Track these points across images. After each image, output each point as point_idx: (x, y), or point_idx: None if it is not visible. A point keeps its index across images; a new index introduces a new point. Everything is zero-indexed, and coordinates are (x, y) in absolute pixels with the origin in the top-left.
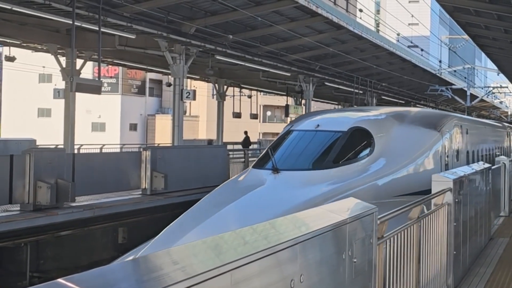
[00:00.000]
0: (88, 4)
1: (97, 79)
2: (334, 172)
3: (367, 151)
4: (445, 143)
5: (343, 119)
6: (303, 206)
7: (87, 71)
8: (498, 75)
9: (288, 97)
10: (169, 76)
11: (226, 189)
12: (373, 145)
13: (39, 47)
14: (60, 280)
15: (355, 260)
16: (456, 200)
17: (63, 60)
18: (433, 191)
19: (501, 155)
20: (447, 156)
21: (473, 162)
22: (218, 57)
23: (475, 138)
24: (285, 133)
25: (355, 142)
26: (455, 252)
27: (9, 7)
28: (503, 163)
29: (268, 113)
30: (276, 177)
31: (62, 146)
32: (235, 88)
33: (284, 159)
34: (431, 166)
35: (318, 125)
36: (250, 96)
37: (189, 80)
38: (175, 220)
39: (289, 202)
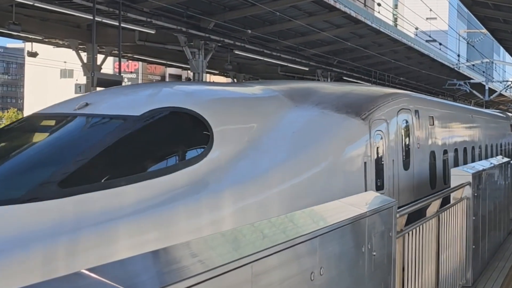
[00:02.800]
0: (108, 0)
1: (117, 74)
2: (66, 205)
3: (190, 155)
4: (377, 141)
5: (144, 94)
6: None
7: (108, 66)
8: None
9: None
10: (189, 71)
11: None
12: (210, 143)
13: (61, 43)
14: (83, 270)
15: (374, 253)
16: (475, 194)
17: (84, 55)
18: (452, 185)
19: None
20: (382, 163)
21: (448, 168)
22: (236, 52)
23: (451, 133)
24: (21, 120)
25: (158, 138)
26: (474, 246)
27: (31, 3)
28: None
29: None
30: None
31: None
32: None
33: None
34: (340, 182)
35: (86, 105)
36: None
37: (208, 75)
38: None
39: None
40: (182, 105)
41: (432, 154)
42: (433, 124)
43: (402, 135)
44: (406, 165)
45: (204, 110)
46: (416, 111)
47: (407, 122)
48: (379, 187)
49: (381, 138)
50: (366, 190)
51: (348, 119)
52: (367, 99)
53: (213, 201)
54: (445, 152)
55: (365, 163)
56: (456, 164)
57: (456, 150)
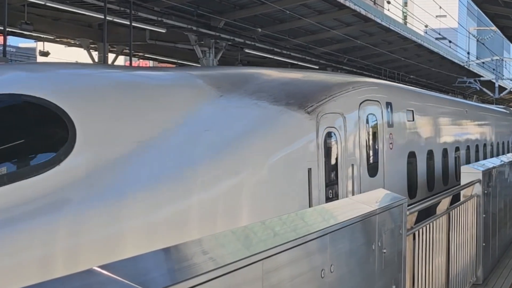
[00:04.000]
0: None
1: None
2: None
3: (36, 160)
4: (329, 141)
5: None
6: None
7: None
8: None
9: None
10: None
11: None
12: (69, 144)
13: (72, 42)
14: (95, 268)
15: (384, 251)
16: (485, 191)
17: (95, 54)
18: (462, 183)
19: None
20: (336, 169)
21: (434, 172)
22: (247, 51)
23: (440, 131)
24: None
25: None
26: (484, 244)
27: (43, 3)
28: None
29: None
30: None
31: None
32: None
33: None
34: (268, 198)
35: None
36: None
37: None
38: None
39: None
40: (33, 92)
41: (412, 157)
42: (413, 120)
43: (367, 134)
44: (372, 171)
45: (65, 100)
46: (389, 104)
47: (374, 117)
48: (331, 199)
49: (335, 137)
50: (311, 204)
51: (287, 113)
52: (318, 87)
53: (61, 229)
54: (430, 153)
55: (309, 169)
56: (446, 168)
57: (445, 151)
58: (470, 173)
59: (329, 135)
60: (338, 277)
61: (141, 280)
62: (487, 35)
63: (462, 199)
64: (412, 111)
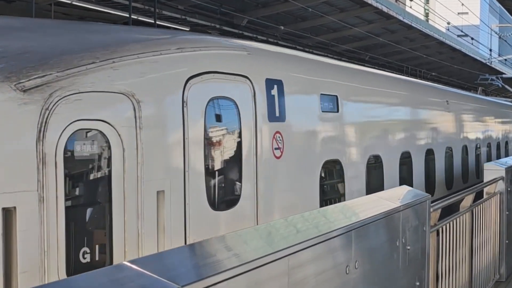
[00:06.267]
0: None
1: None
2: None
3: None
4: (69, 151)
5: None
6: None
7: None
8: None
9: None
10: None
11: None
12: None
13: None
14: (125, 262)
15: (408, 247)
16: (509, 189)
17: None
18: (485, 180)
19: None
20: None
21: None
22: None
23: (391, 129)
24: None
25: None
26: (507, 241)
27: (69, 2)
28: None
29: None
30: None
31: None
32: None
33: None
34: None
35: None
36: None
37: None
38: None
39: None
40: None
41: (331, 171)
42: (338, 111)
43: (206, 133)
44: (222, 199)
45: None
46: (275, 83)
47: (232, 104)
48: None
49: (101, 142)
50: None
51: None
52: (71, 45)
53: None
54: (374, 164)
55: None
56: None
57: (403, 161)
58: (493, 170)
59: (83, 137)
60: (362, 273)
61: (170, 275)
62: (509, 32)
63: (485, 196)
64: (336, 97)
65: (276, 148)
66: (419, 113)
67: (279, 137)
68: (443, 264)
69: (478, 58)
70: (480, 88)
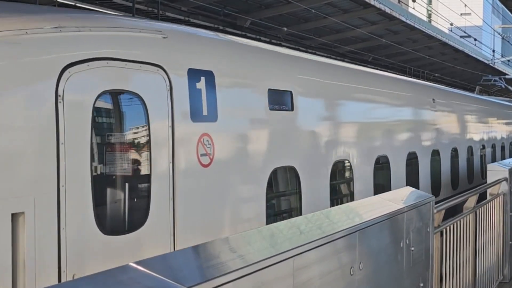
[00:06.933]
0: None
1: None
2: None
3: None
4: None
5: None
6: None
7: None
8: None
9: None
10: None
11: None
12: None
13: None
14: (131, 263)
15: (412, 248)
16: None
17: None
18: (488, 181)
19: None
20: None
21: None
22: None
23: (362, 130)
24: None
25: None
26: (511, 242)
27: (73, 3)
28: None
29: None
30: None
31: None
32: None
33: None
34: None
35: None
36: None
37: None
38: None
39: None
40: None
41: (278, 182)
42: (294, 109)
43: (89, 137)
44: (112, 222)
45: None
46: (203, 74)
47: (137, 100)
48: None
49: None
50: None
51: None
52: None
53: None
54: (338, 171)
55: None
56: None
57: (375, 167)
58: (496, 171)
59: None
60: (367, 274)
61: (177, 277)
62: None
63: (488, 197)
64: (290, 93)
65: (203, 154)
66: (397, 113)
67: (207, 140)
68: (447, 265)
69: (481, 59)
70: (477, 87)
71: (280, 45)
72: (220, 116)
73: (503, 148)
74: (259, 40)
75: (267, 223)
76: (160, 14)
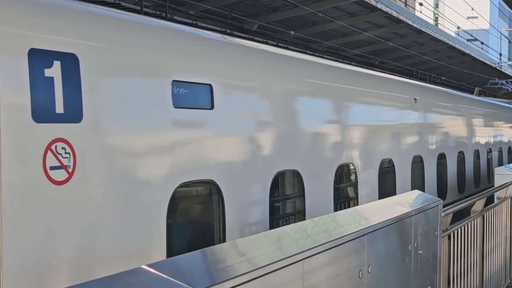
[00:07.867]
0: (155, 3)
1: None
2: None
3: None
4: None
5: None
6: None
7: None
8: None
9: None
10: None
11: None
12: None
13: None
14: (143, 266)
15: (420, 252)
16: None
17: None
18: (496, 185)
19: None
20: None
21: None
22: None
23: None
24: None
25: None
26: None
27: None
28: None
29: None
30: None
31: None
32: None
33: None
34: None
35: None
36: None
37: None
38: None
39: None
40: None
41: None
42: (214, 107)
43: None
44: None
45: None
46: (52, 57)
47: None
48: None
49: None
50: None
51: None
52: None
53: None
54: (287, 181)
55: None
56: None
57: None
58: (503, 174)
59: None
60: (375, 277)
61: (188, 279)
62: None
63: (496, 201)
64: (210, 86)
65: (54, 168)
66: (377, 115)
67: (62, 148)
68: (455, 268)
69: (488, 62)
70: (476, 89)
71: (287, 48)
72: (87, 115)
73: (509, 151)
74: (266, 43)
75: (168, 254)
76: (168, 17)
